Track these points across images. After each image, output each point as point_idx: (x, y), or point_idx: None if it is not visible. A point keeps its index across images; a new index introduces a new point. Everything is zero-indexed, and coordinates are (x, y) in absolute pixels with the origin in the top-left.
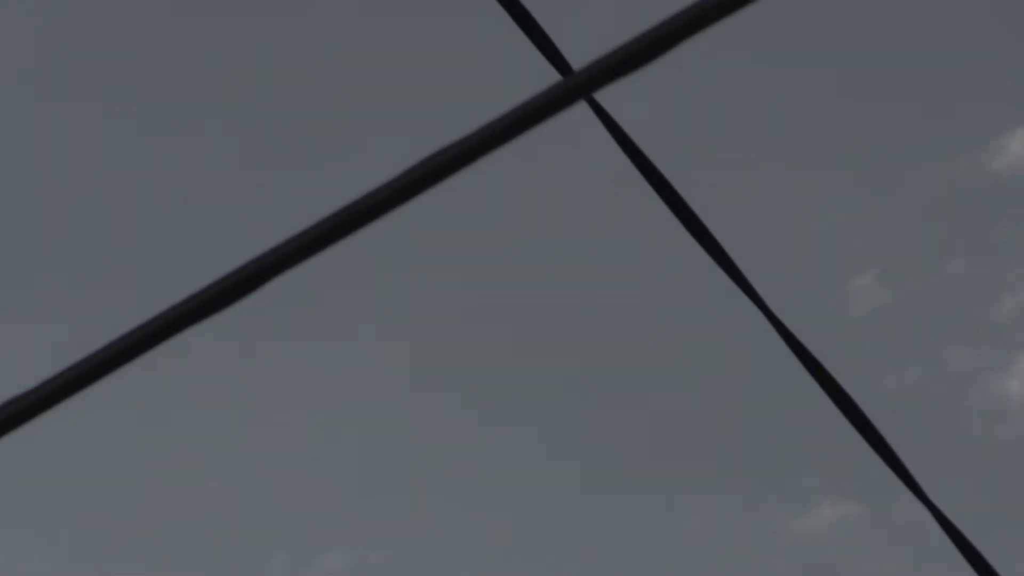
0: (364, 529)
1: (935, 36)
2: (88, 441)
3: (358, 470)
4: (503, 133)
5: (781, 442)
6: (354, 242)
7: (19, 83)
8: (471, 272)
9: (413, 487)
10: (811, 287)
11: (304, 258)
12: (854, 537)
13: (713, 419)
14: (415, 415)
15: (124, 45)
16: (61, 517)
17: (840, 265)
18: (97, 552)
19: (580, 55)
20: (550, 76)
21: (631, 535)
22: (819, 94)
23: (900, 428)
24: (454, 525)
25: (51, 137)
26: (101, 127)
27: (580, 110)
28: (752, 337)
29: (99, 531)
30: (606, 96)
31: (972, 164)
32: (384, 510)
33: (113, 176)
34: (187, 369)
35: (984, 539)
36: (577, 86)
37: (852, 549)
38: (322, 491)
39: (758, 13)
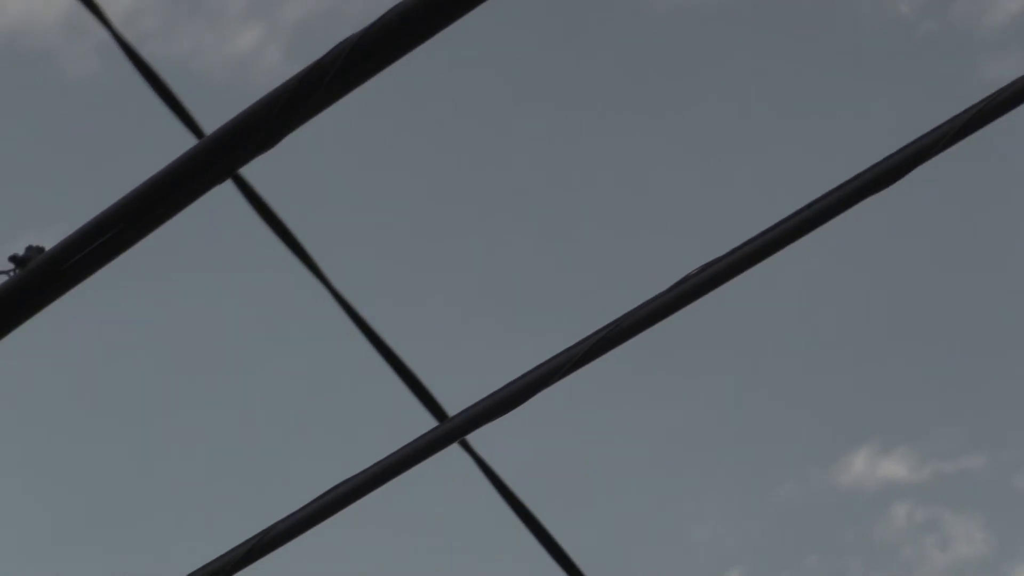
0: None
1: (784, 376)
2: None
3: None
4: (389, 470)
5: None
6: None
7: None
8: None
9: None
10: None
11: None
12: None
13: None
14: None
15: None
16: None
17: (713, 564)
18: None
19: (455, 402)
20: (427, 422)
21: None
22: (688, 420)
23: None
24: None
25: None
26: None
27: (455, 451)
28: None
29: None
30: (479, 438)
31: (822, 478)
32: None
33: None
34: None
35: None
36: (451, 429)
37: None
38: None
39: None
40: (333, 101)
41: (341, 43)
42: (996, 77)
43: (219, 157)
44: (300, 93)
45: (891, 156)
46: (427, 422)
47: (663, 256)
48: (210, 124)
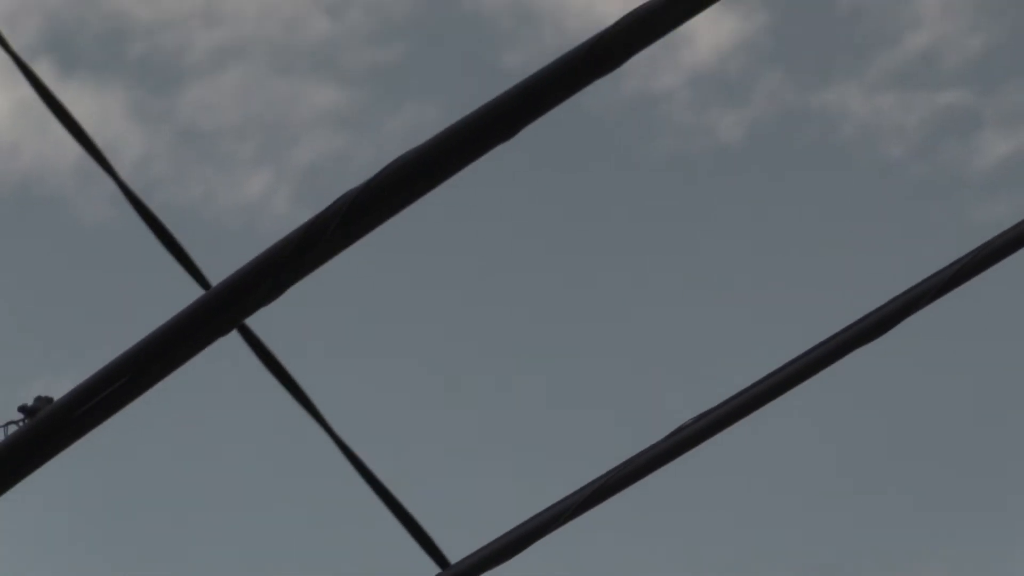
0: None
1: (774, 516)
2: None
3: None
4: None
5: None
6: None
7: None
8: None
9: None
10: None
11: None
12: None
13: None
14: None
15: None
16: None
17: None
18: None
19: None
20: (429, 568)
21: None
22: (677, 560)
23: None
24: None
25: None
26: None
27: None
28: None
29: None
30: None
31: None
32: None
33: None
34: None
35: None
36: None
37: None
38: None
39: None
40: (333, 255)
41: (341, 197)
42: (986, 219)
43: (224, 309)
44: (301, 247)
45: (881, 307)
46: (429, 569)
47: (663, 400)
48: (221, 270)
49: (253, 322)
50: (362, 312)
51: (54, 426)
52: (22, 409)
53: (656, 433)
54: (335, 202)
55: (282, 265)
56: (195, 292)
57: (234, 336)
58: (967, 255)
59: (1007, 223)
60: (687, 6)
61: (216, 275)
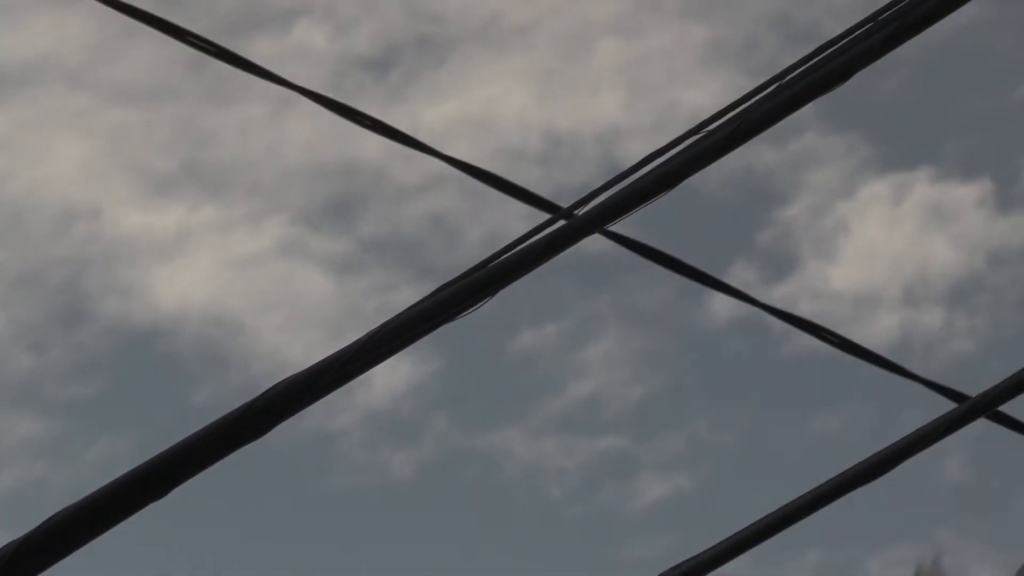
0: None
1: None
2: None
3: None
4: None
5: None
6: None
7: None
8: None
9: None
10: None
11: None
12: None
13: None
14: None
15: None
16: None
17: None
18: None
19: None
20: None
21: None
22: None
23: None
24: None
25: None
26: None
27: None
28: None
29: None
30: None
31: None
32: None
33: None
34: None
35: None
36: None
37: None
38: None
39: None
40: None
41: (3, 548)
42: (641, 556)
43: None
44: None
45: None
46: None
47: None
48: None
49: None
50: None
51: None
52: None
53: None
54: None
55: None
56: None
57: None
58: None
59: (660, 560)
60: (331, 378)
61: None
